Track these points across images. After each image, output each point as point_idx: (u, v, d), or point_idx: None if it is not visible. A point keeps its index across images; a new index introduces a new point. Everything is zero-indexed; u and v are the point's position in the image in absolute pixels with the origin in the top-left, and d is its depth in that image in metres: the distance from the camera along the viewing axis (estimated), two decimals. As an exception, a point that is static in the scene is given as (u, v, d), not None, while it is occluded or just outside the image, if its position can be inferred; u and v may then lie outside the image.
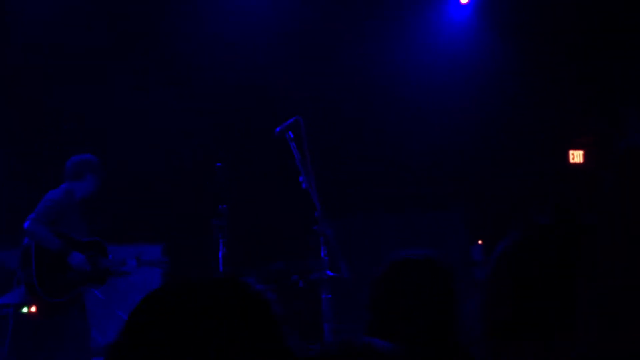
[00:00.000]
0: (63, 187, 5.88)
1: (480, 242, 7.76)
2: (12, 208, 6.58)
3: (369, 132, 8.42)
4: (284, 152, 5.35)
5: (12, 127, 7.33)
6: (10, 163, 6.97)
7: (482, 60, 8.33)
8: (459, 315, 2.08)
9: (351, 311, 7.43)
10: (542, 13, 8.20)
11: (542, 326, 1.42)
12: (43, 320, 5.47)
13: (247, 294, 1.15)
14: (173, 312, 1.09)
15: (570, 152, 8.51)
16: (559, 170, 8.45)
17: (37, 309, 5.49)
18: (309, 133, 5.20)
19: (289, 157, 5.25)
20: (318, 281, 5.20)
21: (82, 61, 7.51)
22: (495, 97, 8.39)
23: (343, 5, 8.15)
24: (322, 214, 5.13)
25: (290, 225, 7.48)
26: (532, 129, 8.48)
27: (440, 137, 8.44)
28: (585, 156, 8.49)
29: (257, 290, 1.17)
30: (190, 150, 7.97)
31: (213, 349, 1.06)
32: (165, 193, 7.88)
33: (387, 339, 1.58)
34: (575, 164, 8.51)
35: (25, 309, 5.48)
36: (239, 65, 8.00)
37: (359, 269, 6.56)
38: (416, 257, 2.22)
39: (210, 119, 8.14)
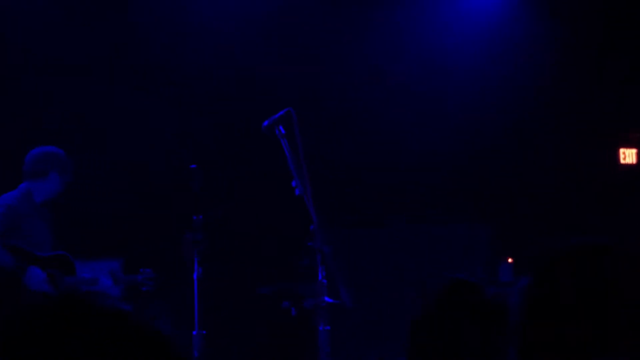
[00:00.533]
0: (21, 188, 5.81)
1: (510, 260, 7.81)
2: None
3: (377, 129, 8.47)
4: (273, 151, 5.37)
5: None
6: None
7: (514, 45, 8.43)
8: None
9: (354, 346, 7.55)
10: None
11: (578, 351, 1.56)
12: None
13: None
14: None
15: (621, 150, 8.54)
16: (608, 173, 8.48)
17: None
18: (304, 128, 5.23)
19: (279, 157, 5.26)
20: (314, 309, 5.22)
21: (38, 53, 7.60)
22: (529, 89, 8.44)
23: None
24: (320, 227, 5.13)
25: (281, 241, 7.53)
26: (575, 126, 8.51)
27: (463, 137, 8.42)
28: (639, 155, 8.55)
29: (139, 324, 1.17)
30: (160, 150, 7.99)
31: None
32: (128, 200, 7.89)
33: None
34: (627, 165, 8.54)
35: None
36: (217, 50, 8.06)
37: (364, 294, 6.63)
38: (468, 289, 2.29)
39: (185, 114, 8.19)
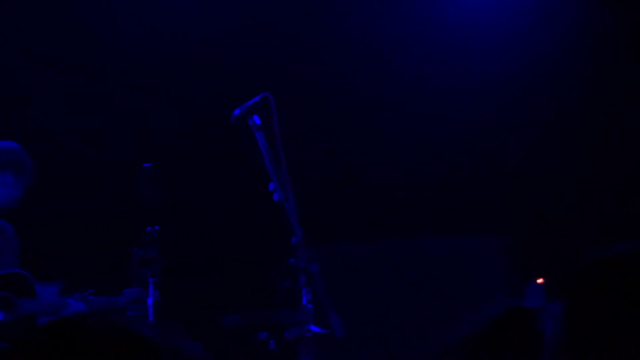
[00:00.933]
0: None
1: (540, 280, 7.83)
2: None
3: (374, 125, 8.57)
4: (247, 148, 5.37)
5: None
6: None
7: (532, 42, 8.61)
8: None
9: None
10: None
11: None
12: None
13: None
14: None
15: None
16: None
17: None
18: (285, 120, 5.23)
19: (254, 155, 5.26)
20: (297, 341, 5.22)
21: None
22: (550, 88, 8.59)
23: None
24: (304, 241, 5.12)
25: (256, 258, 7.63)
26: (604, 126, 8.61)
27: (479, 132, 8.55)
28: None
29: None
30: (103, 145, 8.06)
31: None
32: (62, 207, 7.94)
33: None
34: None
35: None
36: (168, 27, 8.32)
37: (358, 322, 6.64)
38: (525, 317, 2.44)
39: (135, 103, 8.27)
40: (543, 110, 8.64)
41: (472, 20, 8.66)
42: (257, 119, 5.26)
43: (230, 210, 8.04)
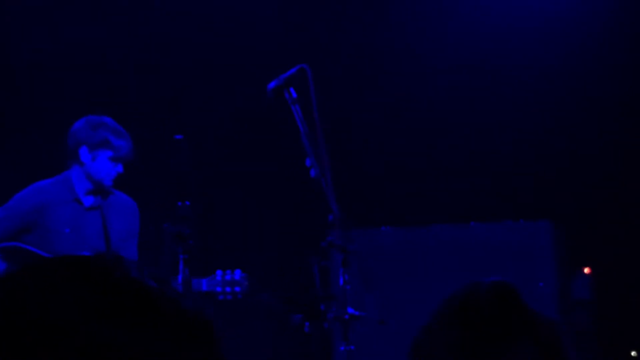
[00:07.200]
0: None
1: (587, 270, 7.72)
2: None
3: (417, 102, 8.56)
4: (282, 121, 5.42)
5: None
6: None
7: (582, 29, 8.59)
8: None
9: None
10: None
11: None
12: None
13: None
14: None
15: None
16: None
17: None
18: (324, 92, 5.21)
19: (290, 129, 5.28)
20: (334, 324, 5.20)
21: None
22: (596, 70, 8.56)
23: None
24: (341, 219, 5.10)
25: (290, 236, 7.72)
26: None
27: (526, 115, 8.56)
28: None
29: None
30: (134, 118, 8.05)
31: None
32: None
33: None
34: None
35: None
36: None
37: (397, 306, 6.92)
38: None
39: (167, 73, 8.38)
40: (597, 94, 8.57)
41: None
42: (293, 93, 5.25)
43: (265, 187, 8.08)
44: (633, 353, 7.81)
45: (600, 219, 8.32)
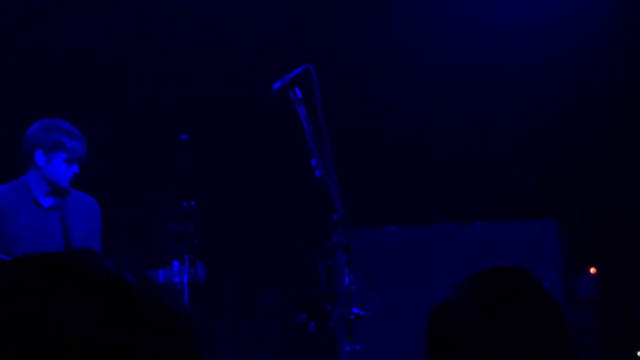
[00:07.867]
0: None
1: (592, 270, 7.74)
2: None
3: (421, 101, 8.56)
4: (285, 121, 5.49)
5: None
6: None
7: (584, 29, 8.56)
8: None
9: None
10: None
11: None
12: None
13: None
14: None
15: None
16: None
17: None
18: (324, 93, 5.22)
19: (293, 129, 5.29)
20: (338, 323, 5.20)
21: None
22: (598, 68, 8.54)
23: None
24: (346, 219, 5.10)
25: (295, 236, 7.69)
26: None
27: (529, 114, 8.53)
28: None
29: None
30: (141, 119, 8.12)
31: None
32: (97, 180, 8.02)
33: None
34: None
35: None
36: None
37: (403, 306, 6.92)
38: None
39: (173, 74, 8.39)
40: (598, 94, 8.53)
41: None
42: (298, 93, 5.25)
43: (270, 186, 8.09)
44: (639, 353, 7.81)
45: (606, 218, 8.29)
